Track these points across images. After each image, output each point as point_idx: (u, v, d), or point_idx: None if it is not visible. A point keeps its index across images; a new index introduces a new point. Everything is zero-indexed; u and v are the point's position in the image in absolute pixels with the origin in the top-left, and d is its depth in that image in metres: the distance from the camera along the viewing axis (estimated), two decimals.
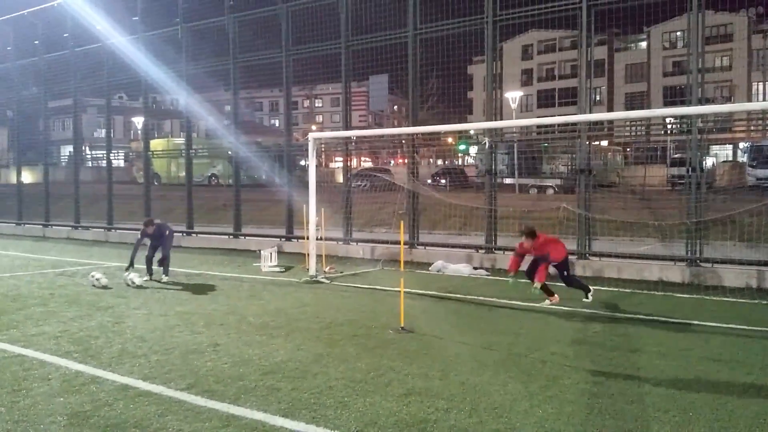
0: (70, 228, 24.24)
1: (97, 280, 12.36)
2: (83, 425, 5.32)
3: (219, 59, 20.01)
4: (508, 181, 23.77)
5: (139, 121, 39.41)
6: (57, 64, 24.53)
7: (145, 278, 12.90)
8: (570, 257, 13.68)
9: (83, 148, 30.34)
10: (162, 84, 21.17)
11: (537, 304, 10.36)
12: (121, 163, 38.91)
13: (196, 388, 6.23)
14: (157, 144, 38.39)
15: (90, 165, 29.38)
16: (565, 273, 10.59)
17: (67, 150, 31.18)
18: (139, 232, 13.42)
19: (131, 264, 12.73)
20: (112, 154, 24.20)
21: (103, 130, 26.82)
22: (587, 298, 10.58)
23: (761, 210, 12.50)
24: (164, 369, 6.87)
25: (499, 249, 14.99)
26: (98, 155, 27.23)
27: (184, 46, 20.46)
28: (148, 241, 13.23)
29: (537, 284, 10.01)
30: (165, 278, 13.04)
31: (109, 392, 6.12)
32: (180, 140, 31.44)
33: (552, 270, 10.48)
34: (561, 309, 10.10)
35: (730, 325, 8.88)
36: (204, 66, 20.62)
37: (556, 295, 10.52)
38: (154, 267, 13.20)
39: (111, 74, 22.74)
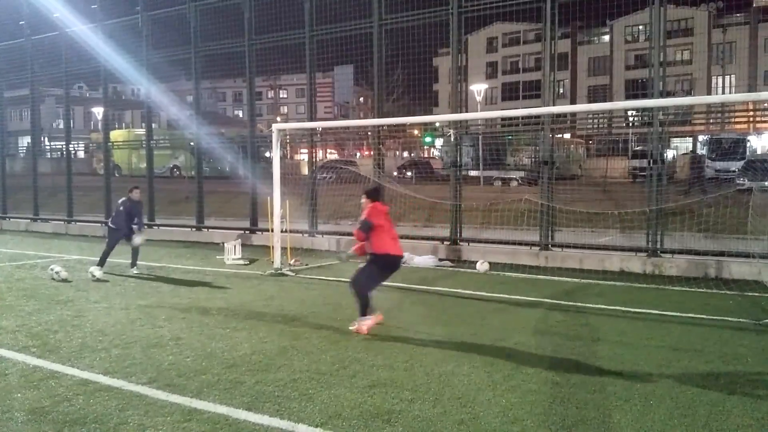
0: (28, 220, 23.69)
1: (57, 273, 12.12)
2: (42, 421, 5.21)
3: (180, 48, 19.65)
4: (473, 173, 23.85)
5: (99, 111, 38.65)
6: (13, 52, 23.85)
7: (103, 271, 12.62)
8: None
9: (42, 139, 29.64)
10: (122, 73, 20.73)
11: (504, 295, 10.44)
12: (81, 155, 38.17)
13: (157, 382, 6.15)
14: (117, 135, 37.69)
15: (49, 156, 28.72)
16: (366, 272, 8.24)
17: (25, 141, 30.43)
18: (120, 204, 13.02)
19: (105, 262, 12.72)
20: (71, 146, 23.71)
21: (62, 121, 26.21)
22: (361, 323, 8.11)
23: (719, 201, 12.75)
24: (125, 363, 6.76)
25: (464, 241, 15.06)
26: (57, 146, 26.64)
27: (144, 35, 20.07)
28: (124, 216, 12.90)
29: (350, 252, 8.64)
30: (134, 271, 12.88)
31: (68, 387, 6.01)
32: (141, 131, 30.98)
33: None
34: (524, 299, 10.20)
35: (690, 315, 9.05)
36: (165, 55, 20.25)
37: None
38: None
39: (69, 63, 22.24)
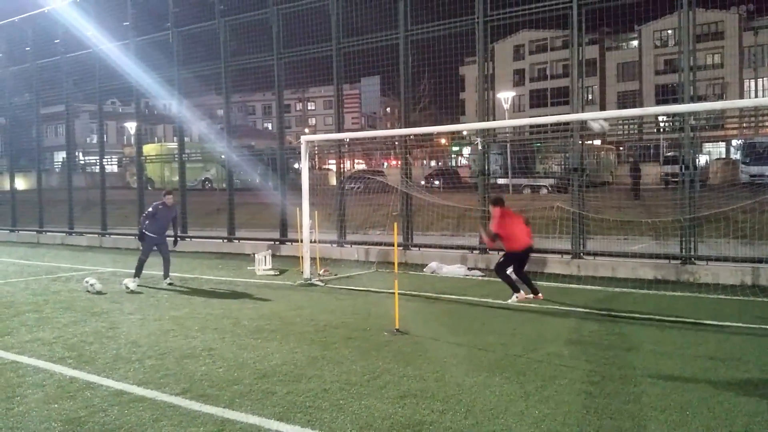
0: (64, 234, 24.14)
1: (92, 285, 12.32)
2: (78, 431, 5.29)
3: (210, 63, 19.96)
4: (501, 181, 23.75)
5: (131, 126, 39.35)
6: (49, 70, 24.46)
7: (136, 282, 12.80)
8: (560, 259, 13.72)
9: (76, 153, 30.25)
10: (154, 89, 21.11)
11: (535, 305, 10.36)
12: (115, 169, 38.85)
13: (190, 392, 6.21)
14: (150, 149, 38.21)
15: (83, 171, 29.30)
16: (504, 259, 10.76)
17: (60, 156, 31.08)
18: (152, 206, 13.24)
19: (141, 236, 13.03)
20: (105, 160, 24.15)
21: (96, 136, 26.72)
22: (512, 299, 10.59)
23: (755, 207, 12.52)
24: (159, 374, 6.84)
25: (494, 250, 14.97)
26: (91, 161, 27.19)
27: (175, 51, 20.41)
28: (156, 218, 13.06)
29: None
30: (167, 282, 13.01)
31: (103, 398, 6.10)
32: (173, 145, 31.35)
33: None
34: (556, 309, 10.10)
35: (726, 323, 8.88)
36: (195, 70, 20.57)
37: (523, 294, 10.66)
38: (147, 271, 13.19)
39: (103, 80, 22.66)
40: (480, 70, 15.23)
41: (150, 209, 13.20)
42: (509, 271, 10.90)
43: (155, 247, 13.21)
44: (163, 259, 13.21)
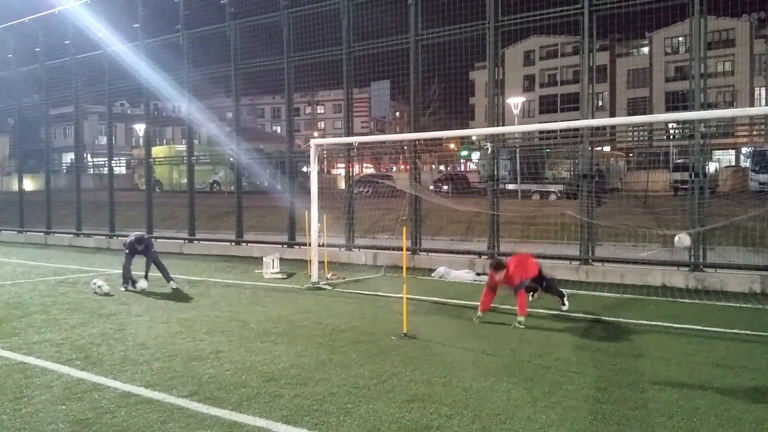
0: (71, 235, 24.23)
1: (99, 287, 12.35)
2: None
3: (220, 66, 20.02)
4: (510, 186, 23.71)
5: (140, 128, 39.51)
6: (58, 71, 24.54)
7: (122, 289, 12.71)
8: (572, 263, 13.70)
9: (85, 155, 30.35)
10: (163, 91, 21.17)
11: (540, 310, 10.33)
12: (123, 170, 38.98)
13: (198, 395, 6.22)
14: (158, 151, 38.32)
15: (91, 172, 29.39)
16: (544, 284, 10.40)
17: (68, 157, 31.24)
18: (126, 247, 13.04)
19: (128, 280, 12.81)
20: (113, 162, 24.24)
21: (105, 138, 26.83)
22: (564, 305, 10.39)
23: (764, 215, 12.46)
24: (166, 376, 6.85)
25: (502, 255, 14.93)
26: (100, 162, 27.29)
27: (185, 53, 20.49)
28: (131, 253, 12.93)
29: (521, 318, 9.26)
30: (173, 285, 12.95)
31: (111, 399, 6.11)
32: (182, 147, 31.46)
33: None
34: (563, 314, 10.07)
35: (734, 331, 8.85)
36: (205, 73, 20.64)
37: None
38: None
39: (112, 81, 22.75)
40: (490, 76, 15.22)
41: (127, 251, 12.97)
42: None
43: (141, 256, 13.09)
44: (156, 267, 13.00)
